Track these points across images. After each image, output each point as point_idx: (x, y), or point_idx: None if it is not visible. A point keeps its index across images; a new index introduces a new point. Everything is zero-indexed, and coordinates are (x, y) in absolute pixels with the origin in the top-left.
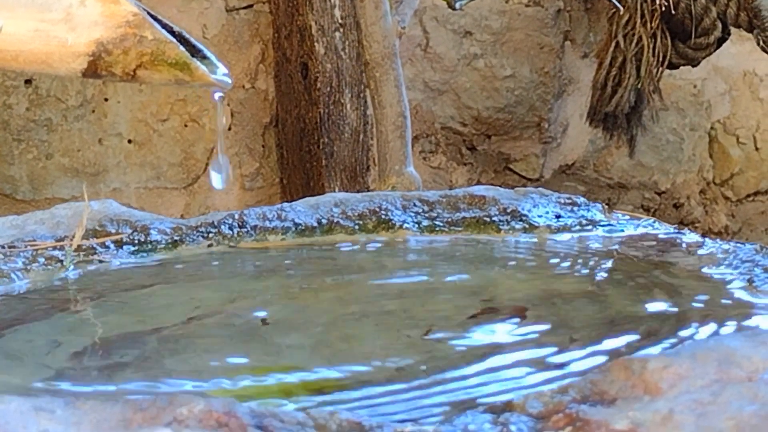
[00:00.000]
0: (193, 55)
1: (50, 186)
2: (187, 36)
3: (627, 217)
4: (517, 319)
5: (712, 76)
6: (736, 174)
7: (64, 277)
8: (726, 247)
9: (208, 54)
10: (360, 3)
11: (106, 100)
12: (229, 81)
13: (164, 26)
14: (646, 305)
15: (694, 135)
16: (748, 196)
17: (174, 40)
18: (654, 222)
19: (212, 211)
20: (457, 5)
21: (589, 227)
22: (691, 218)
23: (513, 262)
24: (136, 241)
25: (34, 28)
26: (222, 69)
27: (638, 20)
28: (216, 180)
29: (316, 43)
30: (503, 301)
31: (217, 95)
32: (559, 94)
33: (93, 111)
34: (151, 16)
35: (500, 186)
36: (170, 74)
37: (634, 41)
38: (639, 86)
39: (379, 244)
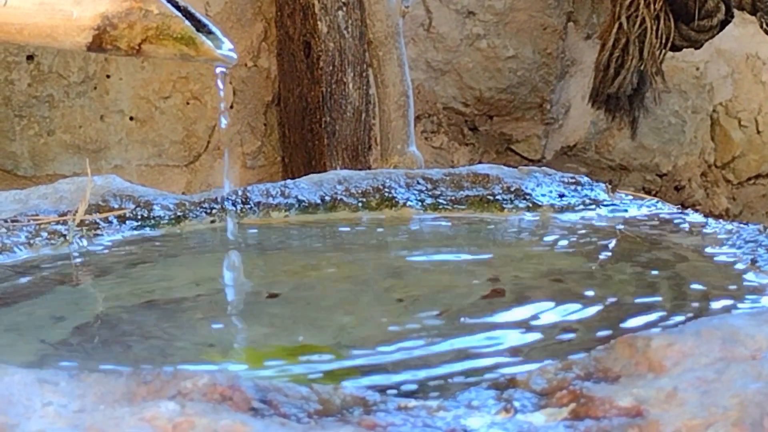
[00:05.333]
0: (198, 30)
1: (51, 162)
2: (193, 11)
3: (630, 197)
4: (520, 297)
5: (715, 58)
6: (738, 157)
7: (67, 251)
8: (729, 227)
9: (214, 29)
10: None
11: (108, 76)
12: (235, 56)
13: (169, 1)
14: (649, 284)
15: (696, 117)
16: (749, 179)
17: (179, 14)
18: (657, 202)
19: (214, 188)
20: None
21: (593, 207)
22: (692, 201)
23: (516, 240)
24: (139, 217)
25: (39, 1)
26: (227, 44)
27: (641, 2)
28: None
29: (319, 22)
30: (507, 278)
31: (218, 70)
32: (561, 75)
33: (95, 88)
34: None
35: None
36: (175, 49)
37: (638, 23)
38: (642, 68)
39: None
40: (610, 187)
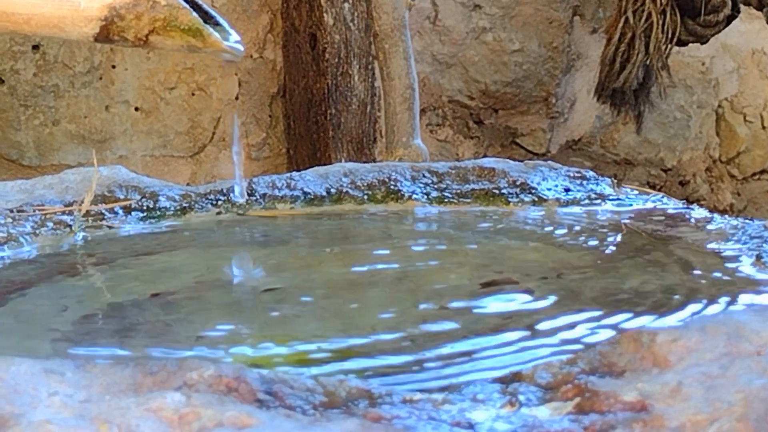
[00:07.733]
0: (205, 22)
1: (56, 152)
2: (200, 2)
3: (636, 191)
4: (526, 291)
5: (721, 53)
6: (743, 152)
7: (73, 241)
8: (734, 223)
9: (221, 21)
10: None
11: (113, 67)
12: (242, 48)
13: None
14: (655, 279)
15: (701, 112)
16: (754, 174)
17: (187, 6)
18: (663, 197)
19: (219, 180)
20: None
21: (598, 201)
22: (697, 196)
23: (522, 234)
24: (145, 208)
25: None
26: (234, 36)
27: None
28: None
29: (324, 14)
30: (513, 272)
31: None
32: (567, 69)
33: (100, 78)
34: None
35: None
36: (183, 40)
37: (644, 17)
38: (647, 63)
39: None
40: (615, 181)
